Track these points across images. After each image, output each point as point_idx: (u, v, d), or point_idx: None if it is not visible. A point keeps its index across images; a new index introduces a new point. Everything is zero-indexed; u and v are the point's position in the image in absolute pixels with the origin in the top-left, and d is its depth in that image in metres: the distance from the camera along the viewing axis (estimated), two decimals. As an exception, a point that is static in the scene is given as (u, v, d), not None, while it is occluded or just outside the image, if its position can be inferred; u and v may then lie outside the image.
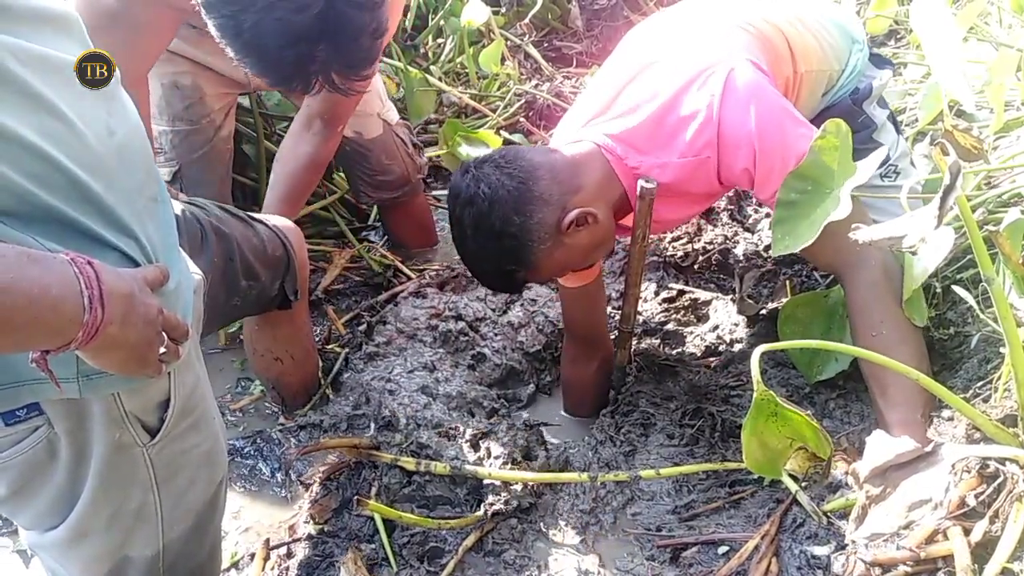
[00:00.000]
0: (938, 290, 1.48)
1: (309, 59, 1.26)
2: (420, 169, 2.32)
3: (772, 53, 1.49)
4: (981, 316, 1.28)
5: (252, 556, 1.52)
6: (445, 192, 2.66)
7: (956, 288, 1.32)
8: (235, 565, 1.52)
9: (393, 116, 2.23)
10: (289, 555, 1.52)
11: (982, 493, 1.12)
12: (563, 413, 1.92)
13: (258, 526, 1.61)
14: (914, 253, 1.25)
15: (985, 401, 1.25)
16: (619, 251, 2.18)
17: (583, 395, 1.87)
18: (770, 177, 1.35)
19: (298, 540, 1.54)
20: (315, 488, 1.61)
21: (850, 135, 1.17)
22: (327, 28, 1.21)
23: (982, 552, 1.08)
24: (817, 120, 1.59)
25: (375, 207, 2.44)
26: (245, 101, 2.29)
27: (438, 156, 2.63)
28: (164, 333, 0.87)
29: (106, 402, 0.93)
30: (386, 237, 2.45)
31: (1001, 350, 1.27)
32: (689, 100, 1.39)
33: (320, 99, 1.72)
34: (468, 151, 2.52)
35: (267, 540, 1.53)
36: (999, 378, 1.22)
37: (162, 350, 0.87)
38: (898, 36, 2.59)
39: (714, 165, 1.40)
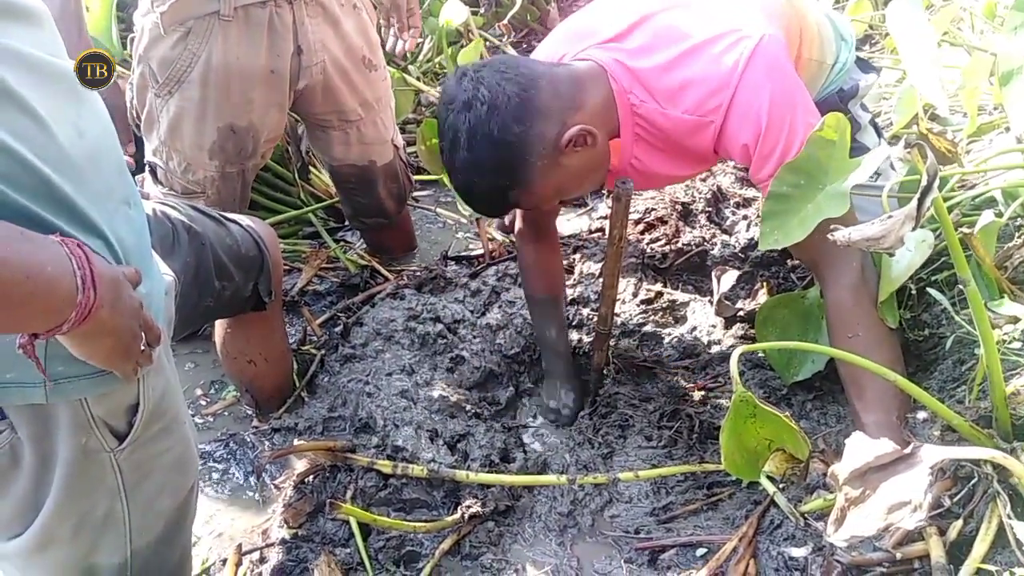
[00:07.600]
0: (913, 292, 1.49)
1: None
2: (413, 186, 2.29)
3: (788, 35, 1.46)
4: (956, 318, 1.29)
5: (224, 562, 1.49)
6: (422, 193, 2.65)
7: (931, 290, 1.33)
8: (206, 571, 1.50)
9: (400, 138, 2.19)
10: (262, 560, 1.49)
11: (957, 494, 1.13)
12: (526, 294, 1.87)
13: (231, 531, 1.59)
14: (892, 255, 1.25)
15: (960, 402, 1.26)
16: (597, 252, 2.18)
17: (537, 265, 1.80)
18: (769, 159, 1.30)
19: (271, 545, 1.51)
20: (289, 492, 1.58)
21: (848, 131, 1.12)
22: None
23: (957, 552, 1.09)
24: None
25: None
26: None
27: (415, 155, 2.61)
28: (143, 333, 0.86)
29: (72, 407, 0.91)
30: (362, 242, 2.42)
31: (976, 351, 1.28)
32: (712, 57, 1.32)
33: None
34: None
35: (239, 545, 1.50)
36: (974, 379, 1.23)
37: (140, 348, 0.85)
38: (873, 41, 2.61)
39: (715, 131, 1.34)
